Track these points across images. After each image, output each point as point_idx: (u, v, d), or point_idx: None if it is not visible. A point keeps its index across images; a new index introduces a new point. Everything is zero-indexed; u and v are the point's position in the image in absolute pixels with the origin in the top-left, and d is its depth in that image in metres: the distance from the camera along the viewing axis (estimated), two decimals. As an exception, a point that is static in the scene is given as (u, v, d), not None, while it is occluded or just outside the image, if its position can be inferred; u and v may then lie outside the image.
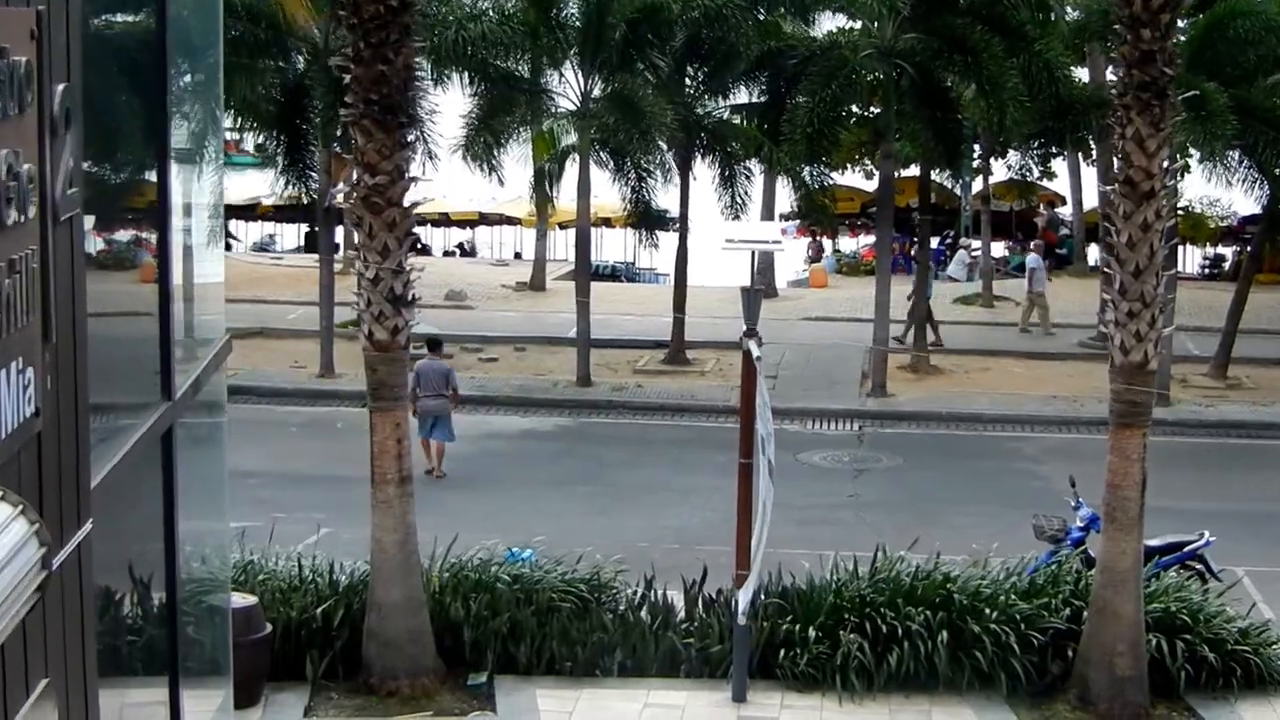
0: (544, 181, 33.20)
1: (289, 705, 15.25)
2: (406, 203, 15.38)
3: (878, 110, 39.46)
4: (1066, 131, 32.79)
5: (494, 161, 31.00)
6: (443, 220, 55.68)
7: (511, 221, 55.94)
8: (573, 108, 31.38)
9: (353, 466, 19.25)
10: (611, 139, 30.63)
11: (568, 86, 31.53)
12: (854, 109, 36.84)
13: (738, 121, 34.14)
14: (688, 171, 33.07)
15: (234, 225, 59.22)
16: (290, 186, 32.30)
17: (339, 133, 28.45)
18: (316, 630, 15.90)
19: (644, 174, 31.57)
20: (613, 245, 56.43)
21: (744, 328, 14.97)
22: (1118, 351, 15.32)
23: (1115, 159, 15.55)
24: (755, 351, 14.69)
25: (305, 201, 33.15)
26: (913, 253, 48.45)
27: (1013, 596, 16.19)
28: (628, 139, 30.06)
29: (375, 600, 15.67)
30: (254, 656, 15.09)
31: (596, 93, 31.05)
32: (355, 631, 15.92)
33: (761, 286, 19.83)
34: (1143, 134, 14.96)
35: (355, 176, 15.32)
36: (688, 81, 32.77)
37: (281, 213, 57.78)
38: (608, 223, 53.05)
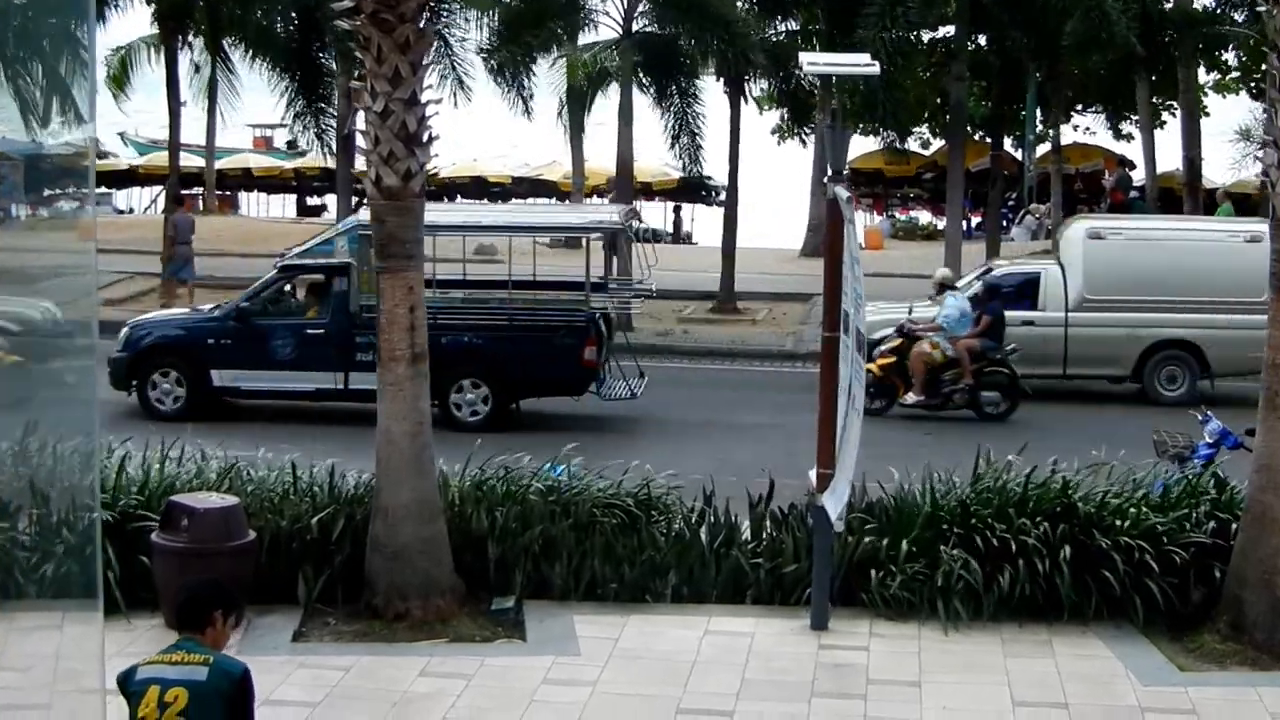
0: (579, 107, 30.62)
1: (275, 629, 12.59)
2: (422, 22, 12.80)
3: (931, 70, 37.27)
4: (1157, 61, 30.10)
5: (522, 81, 28.55)
6: (476, 185, 53.37)
7: (545, 190, 53.59)
8: (615, 33, 28.95)
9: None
10: (666, 54, 27.83)
11: (611, 6, 29.11)
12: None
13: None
14: (739, 104, 30.49)
15: (263, 198, 58.13)
16: (302, 129, 30.28)
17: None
18: (311, 543, 13.24)
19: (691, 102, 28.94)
20: (652, 215, 54.08)
21: (828, 172, 12.27)
22: (1281, 199, 12.60)
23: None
24: (844, 195, 11.96)
25: (316, 141, 30.86)
26: (979, 218, 46.20)
27: (1144, 509, 13.49)
28: (682, 52, 27.34)
29: (381, 504, 13.00)
30: (233, 567, 12.38)
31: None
32: (358, 546, 13.23)
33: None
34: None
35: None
36: (739, 4, 30.17)
37: (305, 180, 56.22)
38: (648, 191, 50.69)
